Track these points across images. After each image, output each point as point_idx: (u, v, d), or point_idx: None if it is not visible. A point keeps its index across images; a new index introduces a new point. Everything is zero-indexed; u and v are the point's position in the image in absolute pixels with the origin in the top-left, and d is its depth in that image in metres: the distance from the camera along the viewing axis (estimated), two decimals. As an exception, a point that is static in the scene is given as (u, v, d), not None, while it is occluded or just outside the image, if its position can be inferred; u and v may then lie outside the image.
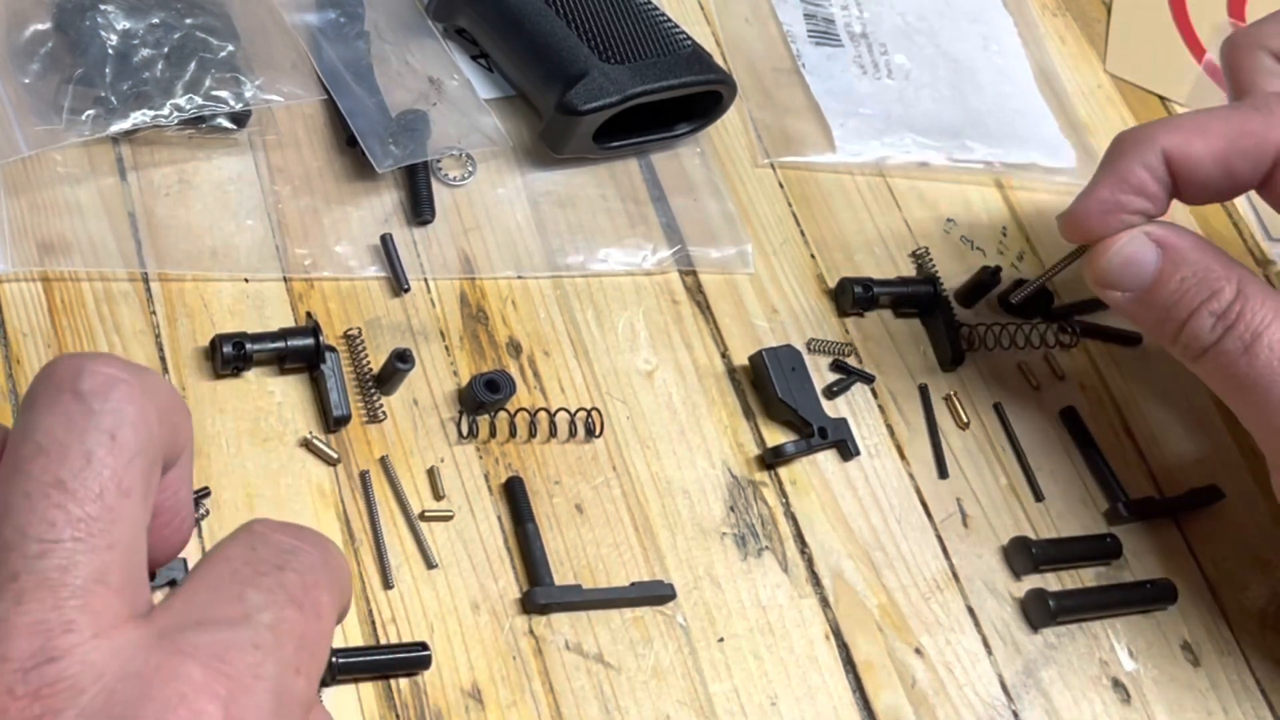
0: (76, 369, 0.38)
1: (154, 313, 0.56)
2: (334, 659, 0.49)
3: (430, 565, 0.54)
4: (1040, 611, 0.59)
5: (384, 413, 0.56)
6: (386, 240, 0.60)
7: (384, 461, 0.55)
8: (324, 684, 0.49)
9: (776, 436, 0.61)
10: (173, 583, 0.49)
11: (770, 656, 0.56)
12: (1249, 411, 0.57)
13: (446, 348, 0.59)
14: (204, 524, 0.52)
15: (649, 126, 0.66)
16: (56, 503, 0.36)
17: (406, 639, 0.52)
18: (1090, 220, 0.59)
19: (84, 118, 0.57)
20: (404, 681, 0.51)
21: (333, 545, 0.43)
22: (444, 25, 0.68)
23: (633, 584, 0.55)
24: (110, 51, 0.58)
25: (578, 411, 0.58)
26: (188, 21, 0.60)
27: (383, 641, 0.51)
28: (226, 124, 0.60)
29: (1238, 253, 0.76)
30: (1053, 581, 0.61)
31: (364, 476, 0.55)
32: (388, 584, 0.53)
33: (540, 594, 0.53)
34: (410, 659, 0.51)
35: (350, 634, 0.51)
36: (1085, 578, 0.62)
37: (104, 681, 0.35)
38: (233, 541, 0.42)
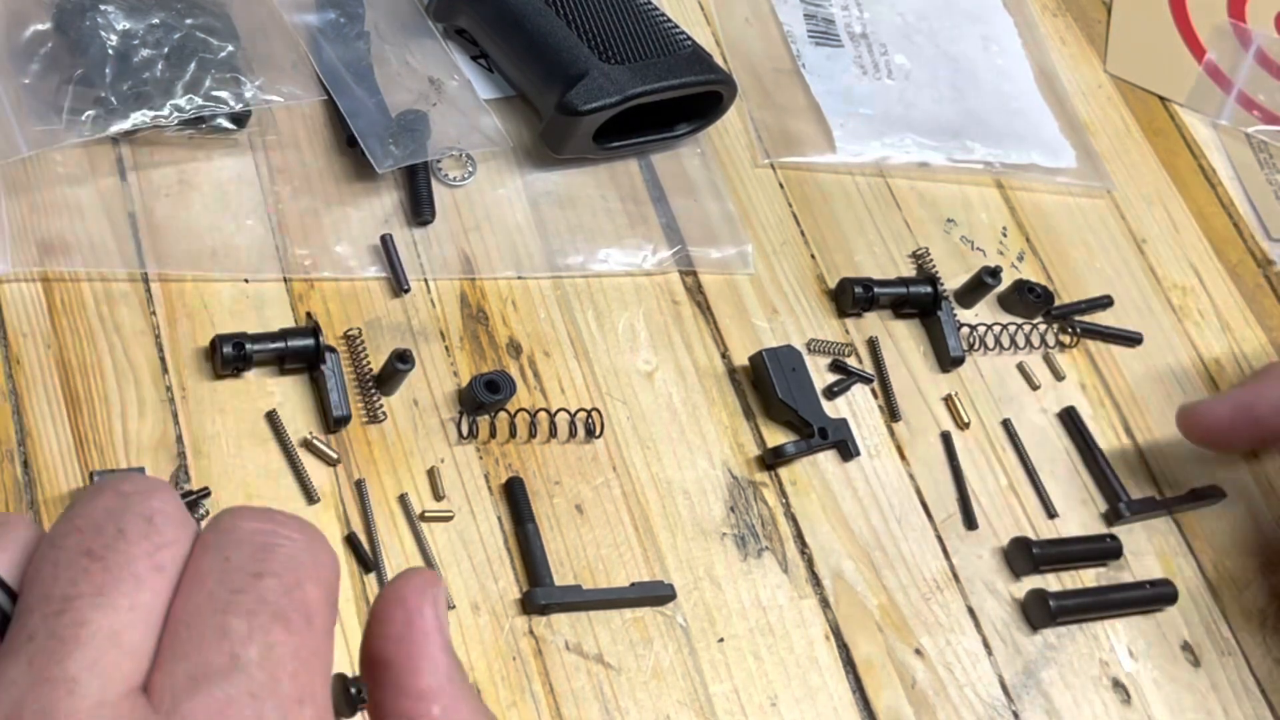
0: (120, 488, 0.38)
1: (154, 313, 0.56)
2: (353, 690, 0.48)
3: (430, 566, 0.53)
4: (1040, 612, 0.59)
5: (384, 413, 0.56)
6: (386, 240, 0.60)
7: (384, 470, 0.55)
8: (342, 715, 0.49)
9: (776, 437, 0.61)
10: None
11: (770, 657, 0.56)
12: None
13: (446, 348, 0.59)
14: (203, 525, 0.52)
15: (649, 126, 0.66)
16: (83, 567, 0.36)
17: (406, 639, 0.52)
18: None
19: (84, 118, 0.57)
20: (404, 682, 0.51)
21: (309, 525, 0.41)
22: (444, 25, 0.68)
23: (633, 584, 0.55)
24: (110, 52, 0.58)
25: (578, 412, 0.58)
26: (188, 22, 0.60)
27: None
28: (226, 124, 0.60)
29: (1238, 253, 0.76)
30: (1053, 582, 0.61)
31: (359, 485, 0.55)
32: (388, 584, 0.53)
33: (540, 594, 0.53)
34: None
35: (350, 635, 0.51)
36: (1085, 578, 0.61)
37: None
38: (204, 551, 0.40)
